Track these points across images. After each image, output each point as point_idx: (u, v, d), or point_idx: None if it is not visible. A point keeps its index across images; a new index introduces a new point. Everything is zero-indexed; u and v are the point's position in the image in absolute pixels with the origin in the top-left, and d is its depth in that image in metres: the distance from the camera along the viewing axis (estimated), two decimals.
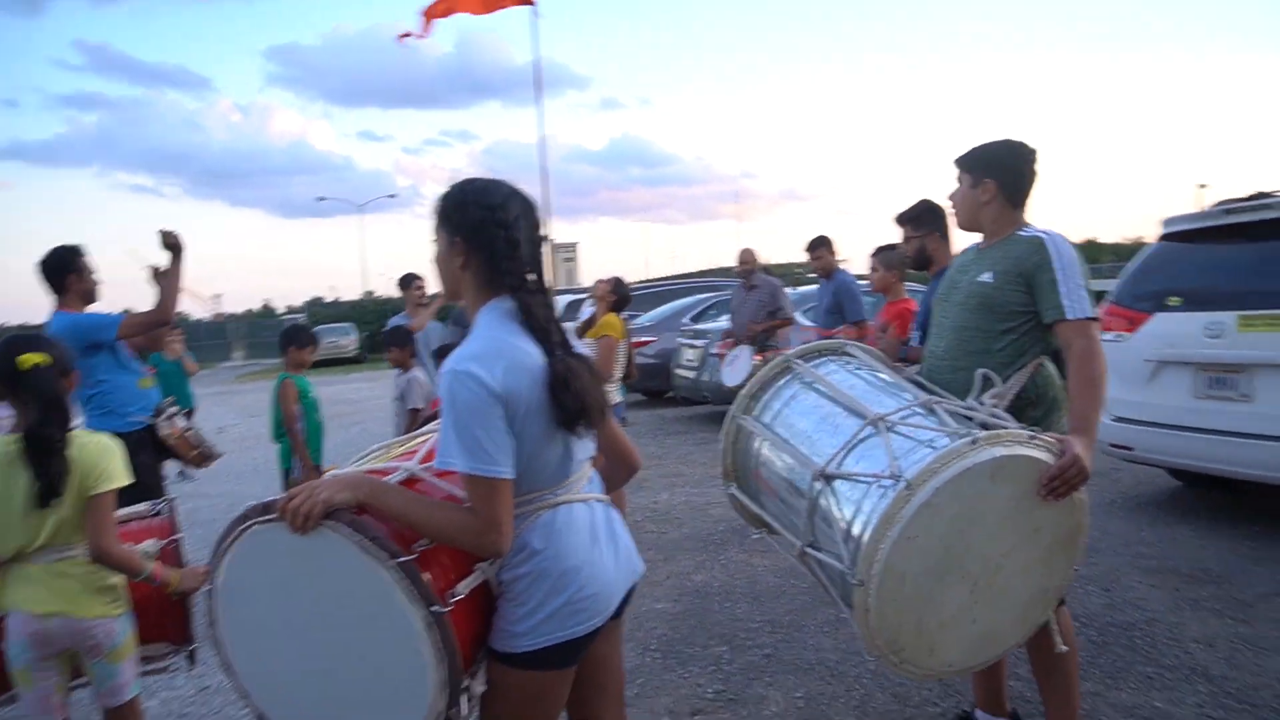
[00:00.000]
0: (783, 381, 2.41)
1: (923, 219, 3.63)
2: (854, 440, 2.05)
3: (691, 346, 9.90)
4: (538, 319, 1.65)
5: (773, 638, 3.64)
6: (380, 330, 26.64)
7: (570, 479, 1.71)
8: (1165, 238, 5.20)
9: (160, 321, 4.04)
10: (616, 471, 1.93)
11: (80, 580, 2.18)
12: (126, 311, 4.07)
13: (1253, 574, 4.00)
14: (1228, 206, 4.83)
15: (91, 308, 4.01)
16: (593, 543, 1.71)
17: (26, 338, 2.25)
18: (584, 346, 5.06)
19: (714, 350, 8.87)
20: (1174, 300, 4.75)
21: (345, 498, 1.57)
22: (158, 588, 2.28)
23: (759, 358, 6.87)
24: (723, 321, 10.95)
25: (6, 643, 2.18)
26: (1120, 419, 4.93)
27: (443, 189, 1.74)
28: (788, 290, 7.54)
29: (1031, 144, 2.43)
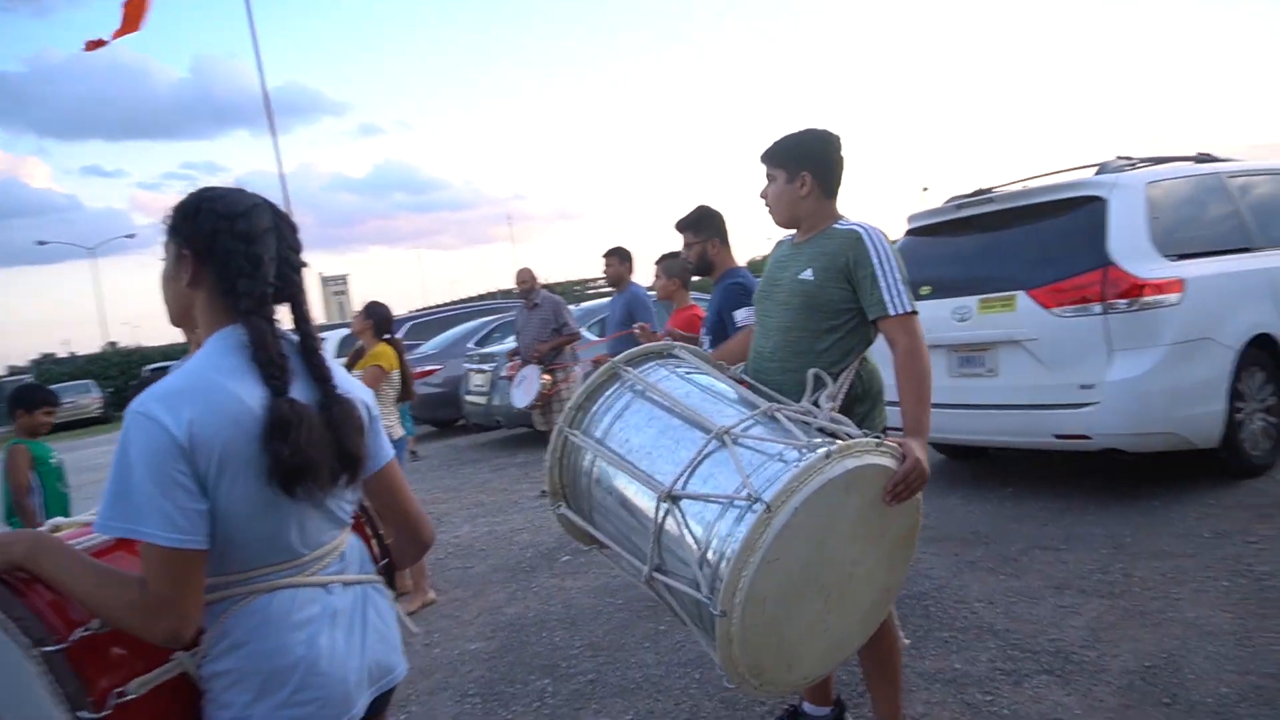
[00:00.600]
0: (611, 390, 2.28)
1: (701, 224, 3.69)
2: (699, 456, 1.96)
3: (479, 371, 9.66)
4: (269, 350, 1.36)
5: (594, 661, 3.55)
6: (132, 383, 23.76)
7: (303, 557, 1.42)
8: (910, 233, 5.68)
9: None
10: (404, 546, 1.65)
11: None
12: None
13: (1015, 531, 4.42)
14: (958, 202, 5.35)
15: None
16: (322, 636, 1.41)
17: None
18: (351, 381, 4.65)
19: (502, 373, 8.69)
20: (925, 290, 5.18)
21: (16, 555, 1.27)
22: None
23: (546, 376, 6.80)
24: (509, 343, 10.81)
25: None
26: (893, 403, 5.32)
27: (183, 197, 1.46)
28: (570, 307, 7.53)
29: (835, 131, 2.45)
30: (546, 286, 7.67)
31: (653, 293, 5.40)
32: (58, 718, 1.22)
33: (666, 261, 4.62)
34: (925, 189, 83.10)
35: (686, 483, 1.97)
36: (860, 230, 2.33)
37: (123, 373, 29.66)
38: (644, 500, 2.06)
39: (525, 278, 6.99)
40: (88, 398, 26.55)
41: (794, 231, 2.52)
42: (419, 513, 1.64)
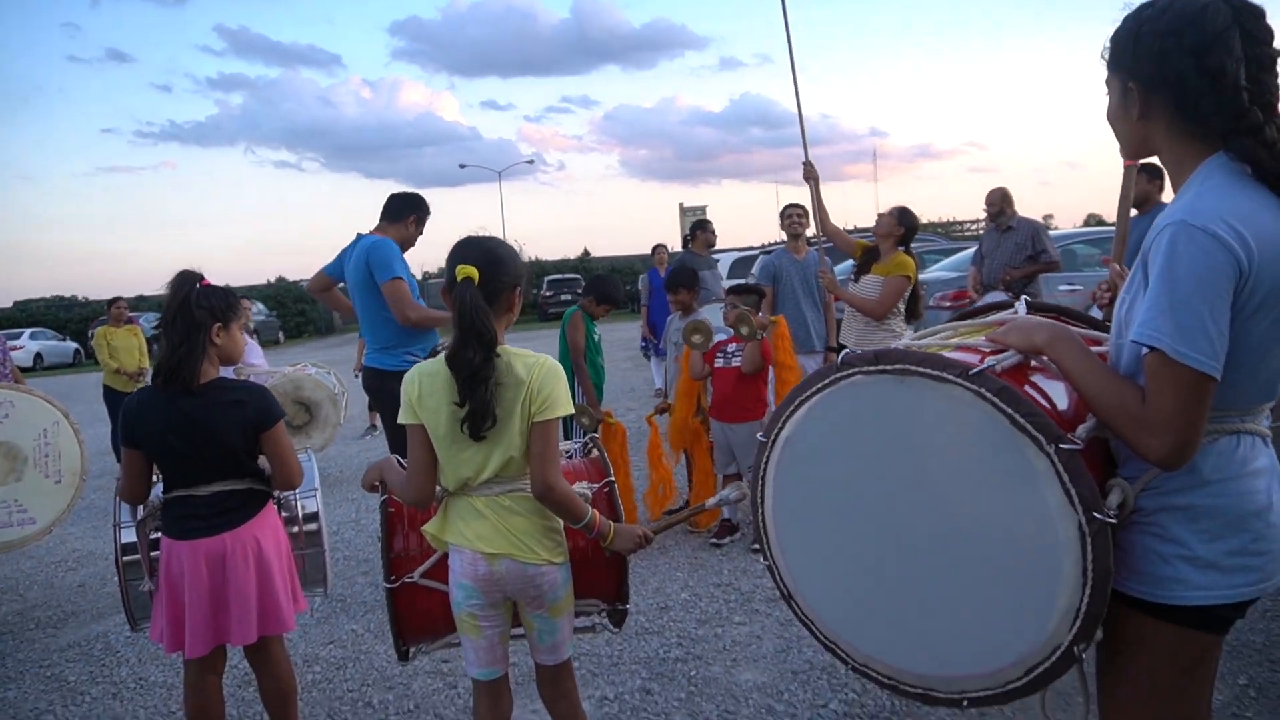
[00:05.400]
0: None
1: None
2: None
3: None
4: (1271, 166, 1.22)
5: None
6: (533, 291, 26.43)
7: (1266, 404, 1.31)
8: None
9: (416, 325, 3.70)
10: None
11: (527, 519, 1.93)
12: (422, 285, 3.92)
13: None
14: None
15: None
16: (1274, 489, 1.31)
17: (471, 242, 1.95)
18: (868, 285, 4.47)
19: (933, 301, 8.22)
20: None
21: (1039, 340, 1.36)
22: (592, 540, 2.01)
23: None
24: (932, 272, 10.25)
25: (452, 584, 1.98)
26: None
27: (1118, 22, 1.34)
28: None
29: None
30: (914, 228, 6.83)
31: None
32: (1066, 519, 1.21)
33: None
34: None
35: None
36: None
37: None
38: None
39: (995, 199, 6.40)
40: None
41: None
42: None
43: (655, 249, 9.31)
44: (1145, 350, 1.20)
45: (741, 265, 15.13)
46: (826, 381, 1.43)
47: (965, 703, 1.39)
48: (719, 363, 4.43)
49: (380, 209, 3.88)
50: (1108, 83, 1.36)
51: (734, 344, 4.41)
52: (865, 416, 1.39)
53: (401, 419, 1.93)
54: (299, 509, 2.61)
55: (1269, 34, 1.26)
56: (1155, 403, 1.19)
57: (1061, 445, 1.20)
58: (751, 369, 4.25)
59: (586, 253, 41.92)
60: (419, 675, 3.18)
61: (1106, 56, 1.35)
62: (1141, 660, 1.32)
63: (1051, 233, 7.82)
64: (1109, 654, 1.36)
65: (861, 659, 1.50)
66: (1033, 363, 1.40)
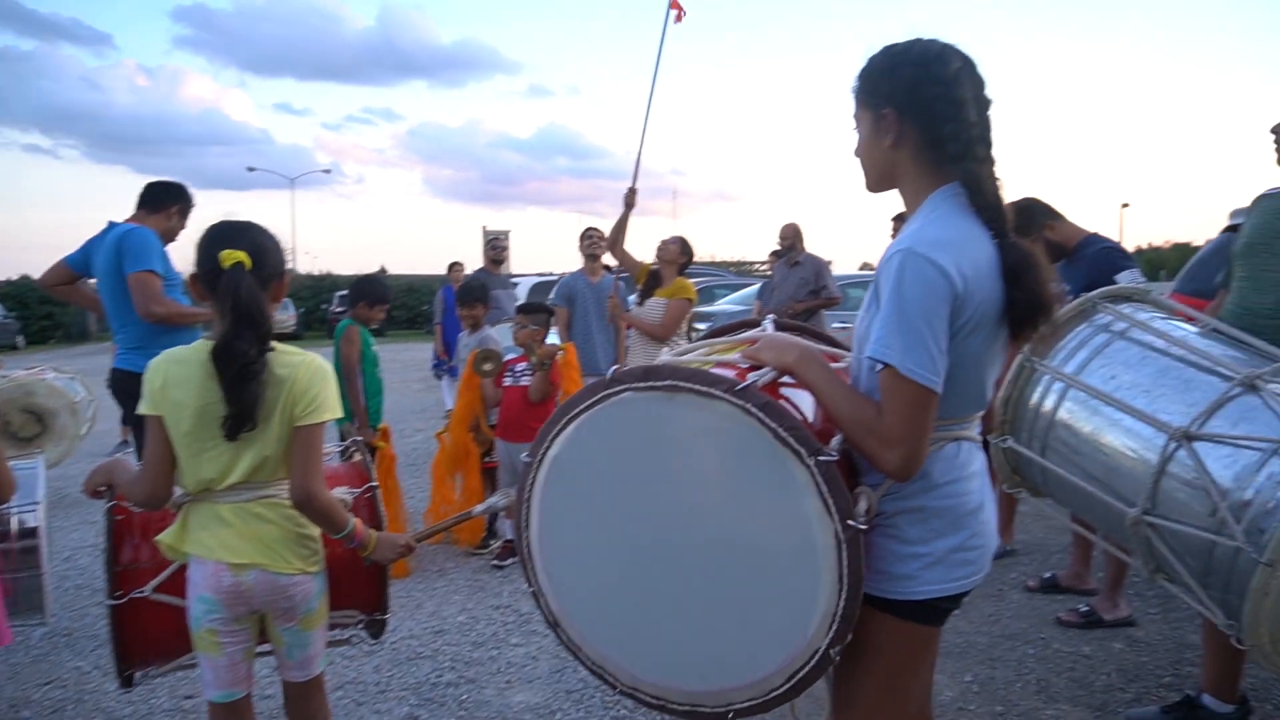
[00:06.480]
0: (1084, 327, 2.18)
1: (1032, 218, 3.35)
2: (1223, 399, 1.86)
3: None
4: (986, 195, 1.38)
5: None
6: (323, 306, 24.99)
7: (978, 414, 1.47)
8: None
9: (161, 322, 3.43)
10: None
11: (279, 527, 1.80)
12: (185, 286, 3.61)
13: None
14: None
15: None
16: (985, 489, 1.48)
17: (235, 227, 1.82)
18: (654, 307, 4.71)
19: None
20: None
21: (789, 360, 1.42)
22: (352, 550, 1.92)
23: None
24: (720, 305, 10.75)
25: (190, 598, 1.80)
26: None
27: (863, 61, 1.46)
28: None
29: None
30: (706, 264, 7.29)
31: None
32: (825, 527, 1.26)
33: None
34: (1125, 205, 78.09)
35: (1204, 425, 1.87)
36: None
37: (313, 295, 31.53)
38: (1137, 440, 1.96)
39: (789, 234, 6.71)
40: (285, 315, 28.38)
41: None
42: None
43: (451, 266, 9.13)
44: (879, 366, 1.30)
45: (540, 290, 15.15)
46: (596, 398, 1.41)
47: (731, 714, 1.41)
48: (507, 381, 4.39)
49: (137, 198, 3.55)
50: (857, 116, 1.47)
51: (522, 363, 4.39)
52: (634, 433, 1.39)
53: (140, 409, 1.76)
54: (12, 525, 2.29)
55: (985, 82, 1.43)
56: (888, 416, 1.29)
57: (820, 458, 1.25)
58: (539, 397, 4.25)
59: (383, 270, 40.43)
60: (156, 714, 2.87)
61: (857, 91, 1.46)
62: (873, 652, 1.42)
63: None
64: (845, 650, 1.45)
65: (629, 681, 1.50)
66: (782, 378, 1.48)
